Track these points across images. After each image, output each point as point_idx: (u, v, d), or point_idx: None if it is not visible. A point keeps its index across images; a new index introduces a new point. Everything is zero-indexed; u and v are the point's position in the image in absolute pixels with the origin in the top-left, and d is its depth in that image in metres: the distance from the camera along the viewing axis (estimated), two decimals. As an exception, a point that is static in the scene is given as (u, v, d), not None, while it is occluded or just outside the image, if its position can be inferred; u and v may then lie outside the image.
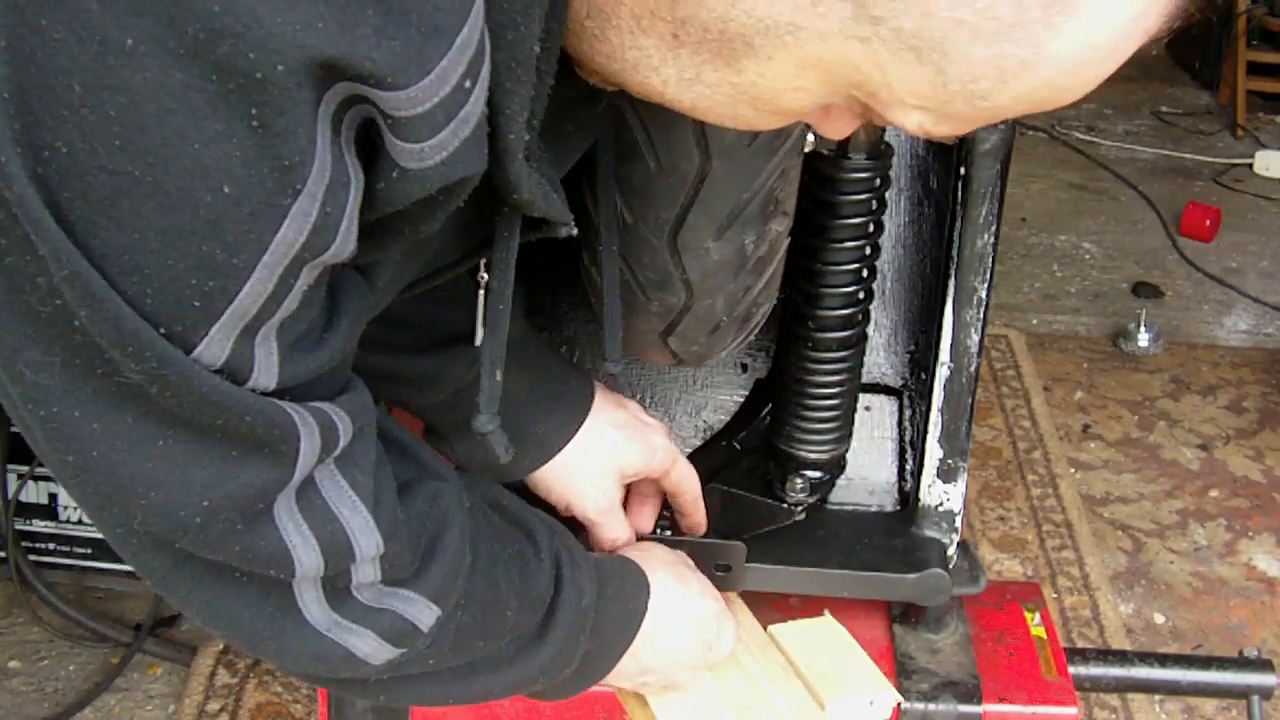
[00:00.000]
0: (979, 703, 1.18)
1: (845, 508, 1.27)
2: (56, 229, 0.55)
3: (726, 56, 0.64)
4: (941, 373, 1.16)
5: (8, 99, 0.53)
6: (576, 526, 1.09)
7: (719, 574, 1.15)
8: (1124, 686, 1.42)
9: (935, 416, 1.17)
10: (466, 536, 0.84)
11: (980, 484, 2.71)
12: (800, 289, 1.13)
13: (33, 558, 2.24)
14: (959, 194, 1.09)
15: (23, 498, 2.25)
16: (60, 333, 0.59)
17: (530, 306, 1.10)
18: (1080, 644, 2.28)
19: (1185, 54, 5.14)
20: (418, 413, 1.08)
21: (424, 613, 0.81)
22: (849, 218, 1.09)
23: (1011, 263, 3.63)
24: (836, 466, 1.21)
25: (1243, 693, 1.39)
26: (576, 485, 1.10)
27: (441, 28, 0.56)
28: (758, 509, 1.21)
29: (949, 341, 1.15)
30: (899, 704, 1.16)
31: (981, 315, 1.13)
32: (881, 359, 1.29)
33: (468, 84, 0.58)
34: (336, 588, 0.76)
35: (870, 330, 1.21)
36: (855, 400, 1.20)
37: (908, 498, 1.27)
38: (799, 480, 1.18)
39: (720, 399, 1.30)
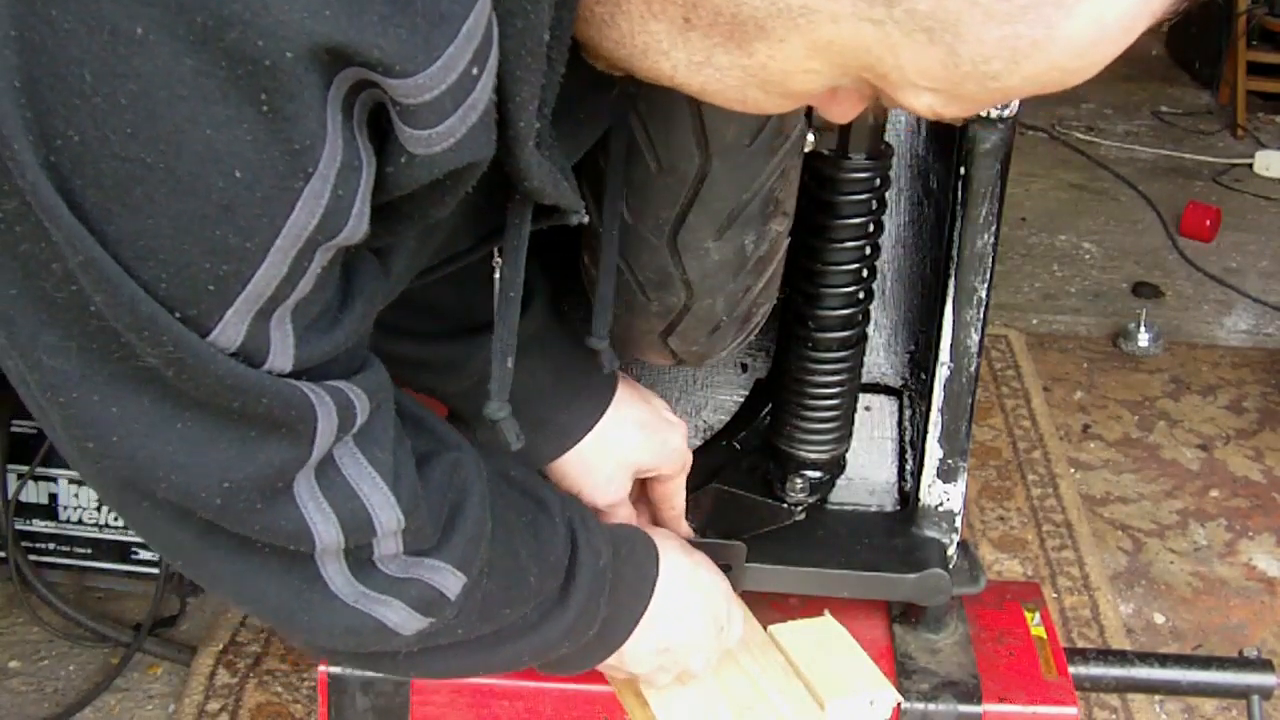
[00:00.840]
0: (979, 703, 1.18)
1: (845, 508, 1.27)
2: (70, 216, 0.55)
3: (738, 39, 0.64)
4: (941, 373, 1.16)
5: (19, 88, 0.53)
6: None
7: (719, 574, 1.15)
8: (1124, 686, 1.42)
9: (935, 416, 1.17)
10: (487, 504, 0.86)
11: (980, 484, 2.71)
12: (800, 289, 1.13)
13: (33, 558, 2.24)
14: (959, 194, 1.09)
15: (23, 498, 2.25)
16: (76, 318, 0.60)
17: (556, 296, 1.10)
18: (1080, 644, 2.28)
19: (1185, 54, 5.14)
20: (444, 400, 1.09)
21: (450, 580, 0.82)
22: (849, 218, 1.09)
23: (1011, 263, 3.63)
24: (836, 466, 1.21)
25: (1243, 693, 1.39)
26: (590, 477, 1.10)
27: (448, 15, 0.56)
28: (758, 509, 1.21)
29: (949, 341, 1.15)
30: (899, 704, 1.16)
31: (981, 315, 1.13)
32: (881, 359, 1.29)
33: (475, 71, 0.58)
34: (360, 560, 0.77)
35: (870, 330, 1.21)
36: (855, 400, 1.20)
37: (908, 498, 1.27)
38: (799, 480, 1.18)
39: (720, 399, 1.30)
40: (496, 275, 0.83)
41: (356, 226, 0.61)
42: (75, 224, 0.56)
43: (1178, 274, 3.65)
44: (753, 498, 1.21)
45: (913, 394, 1.28)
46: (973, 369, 1.16)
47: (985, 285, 1.12)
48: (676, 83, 0.69)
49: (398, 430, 0.78)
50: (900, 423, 1.29)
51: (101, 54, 0.53)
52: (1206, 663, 1.41)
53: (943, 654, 1.23)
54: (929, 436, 1.18)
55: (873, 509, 1.28)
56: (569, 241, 0.85)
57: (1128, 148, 4.47)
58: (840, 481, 1.24)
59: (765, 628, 1.19)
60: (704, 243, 0.96)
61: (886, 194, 1.12)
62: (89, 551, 2.29)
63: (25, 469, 2.22)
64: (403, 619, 0.80)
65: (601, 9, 0.67)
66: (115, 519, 2.25)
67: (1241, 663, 1.40)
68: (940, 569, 1.18)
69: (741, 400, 1.30)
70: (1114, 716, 2.16)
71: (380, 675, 1.16)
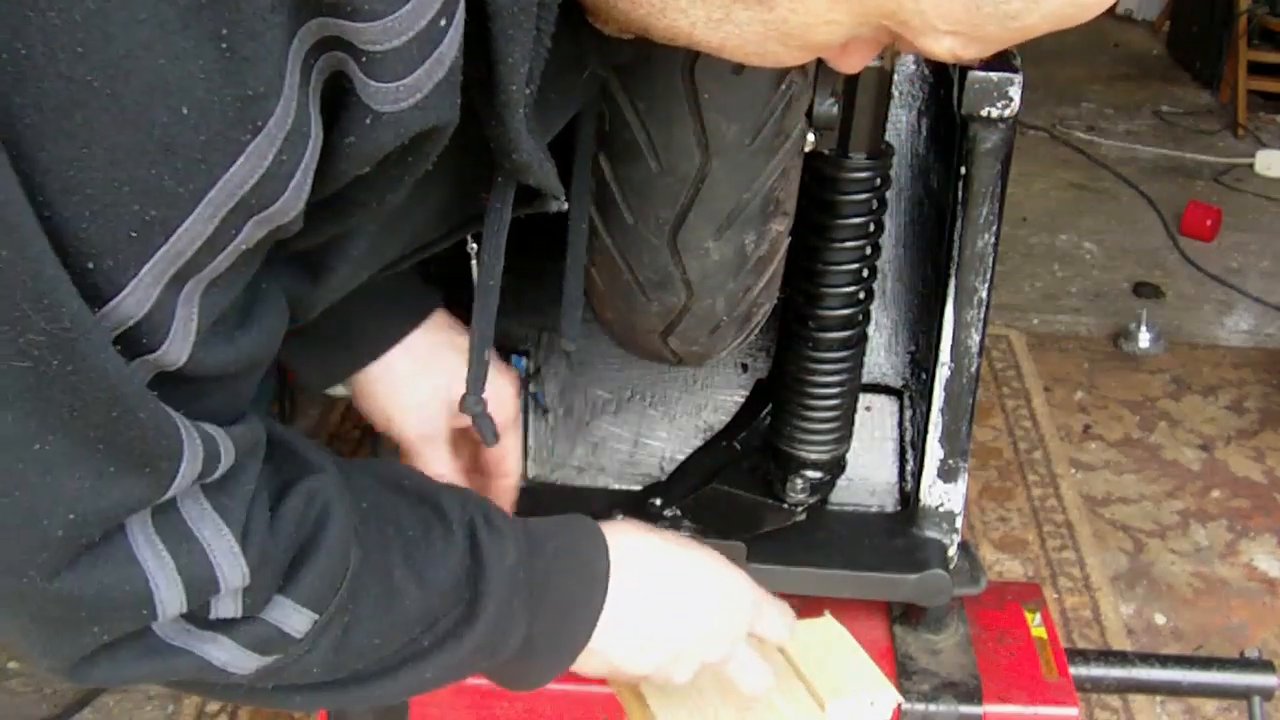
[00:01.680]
0: (979, 703, 1.18)
1: (846, 508, 1.27)
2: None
3: None
4: (942, 373, 1.16)
5: None
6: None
7: (719, 574, 1.15)
8: (1125, 687, 1.42)
9: (936, 417, 1.17)
10: (349, 532, 0.77)
11: (981, 484, 2.71)
12: (800, 289, 1.13)
13: (32, 558, 2.24)
14: (959, 194, 1.09)
15: (22, 498, 2.25)
16: None
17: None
18: (1081, 645, 2.28)
19: (1186, 53, 5.14)
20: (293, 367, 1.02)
21: (294, 618, 0.74)
22: (849, 218, 1.09)
23: (1012, 263, 3.63)
24: (837, 467, 1.21)
25: (1243, 693, 1.39)
26: (399, 399, 1.02)
27: None
28: (758, 509, 1.20)
29: (949, 342, 1.14)
30: (899, 705, 1.16)
31: (982, 315, 1.13)
32: (882, 359, 1.29)
33: (443, 22, 0.58)
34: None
35: (870, 330, 1.21)
36: (856, 400, 1.20)
37: (908, 498, 1.26)
38: (799, 481, 1.18)
39: (720, 399, 1.30)
40: (474, 263, 0.81)
41: (292, 201, 0.59)
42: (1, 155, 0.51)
43: (1178, 274, 3.65)
44: (753, 498, 1.21)
45: (913, 394, 1.28)
46: (973, 369, 1.16)
47: (986, 285, 1.12)
48: (695, 40, 0.69)
49: (259, 483, 0.71)
50: (901, 423, 1.29)
51: None
52: (1207, 663, 1.41)
53: (943, 655, 1.23)
54: (929, 437, 1.18)
55: (873, 509, 1.28)
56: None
57: (1128, 147, 4.46)
58: (841, 482, 1.24)
59: (765, 628, 1.18)
60: (704, 243, 0.96)
61: (887, 194, 1.11)
62: (89, 552, 2.28)
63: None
64: (232, 657, 0.72)
65: None
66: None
67: (1242, 663, 1.40)
68: (941, 569, 1.18)
69: (742, 400, 1.29)
70: (1115, 717, 2.16)
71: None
